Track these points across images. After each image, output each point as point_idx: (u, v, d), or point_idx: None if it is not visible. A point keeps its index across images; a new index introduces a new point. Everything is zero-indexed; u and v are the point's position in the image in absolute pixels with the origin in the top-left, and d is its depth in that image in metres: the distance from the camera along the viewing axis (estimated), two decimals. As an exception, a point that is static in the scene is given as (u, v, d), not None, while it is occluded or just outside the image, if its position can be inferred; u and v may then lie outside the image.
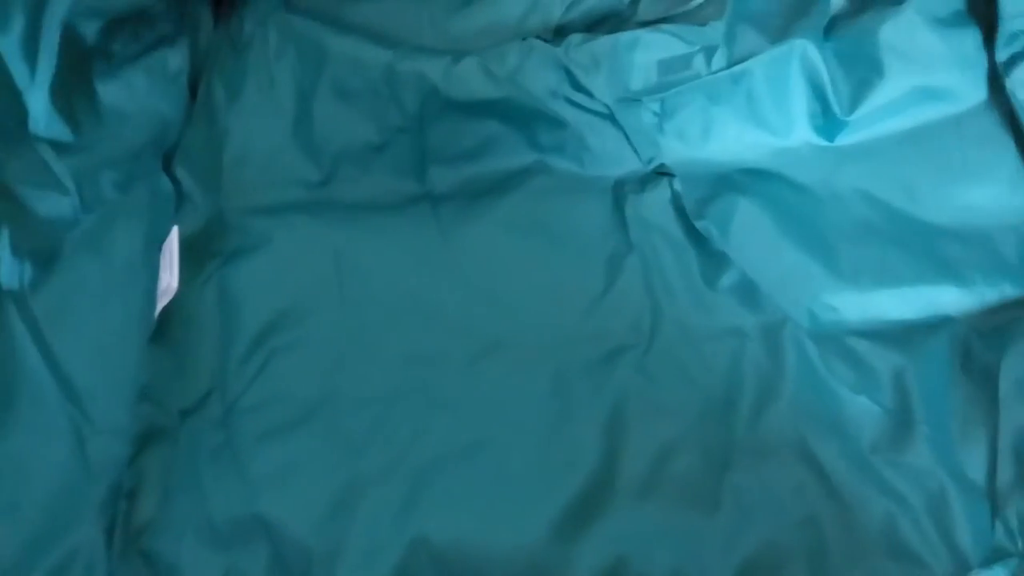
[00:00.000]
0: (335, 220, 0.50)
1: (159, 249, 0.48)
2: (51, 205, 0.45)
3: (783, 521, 0.43)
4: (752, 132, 0.50)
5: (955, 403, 0.44)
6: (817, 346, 0.46)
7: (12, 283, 0.43)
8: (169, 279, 0.48)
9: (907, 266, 0.48)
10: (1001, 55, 0.48)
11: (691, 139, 0.51)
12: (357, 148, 0.52)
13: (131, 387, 0.45)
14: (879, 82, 0.48)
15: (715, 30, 0.50)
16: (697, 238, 0.49)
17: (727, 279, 0.48)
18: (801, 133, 0.50)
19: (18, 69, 0.44)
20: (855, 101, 0.49)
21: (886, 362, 0.46)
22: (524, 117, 0.51)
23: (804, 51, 0.48)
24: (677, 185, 0.50)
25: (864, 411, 0.45)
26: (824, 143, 0.50)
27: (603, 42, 0.50)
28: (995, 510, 0.42)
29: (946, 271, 0.47)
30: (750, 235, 0.49)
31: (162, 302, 0.47)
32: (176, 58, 0.51)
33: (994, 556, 0.41)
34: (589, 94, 0.51)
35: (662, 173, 0.51)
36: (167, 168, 0.50)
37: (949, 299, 0.47)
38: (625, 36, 0.50)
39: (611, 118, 0.51)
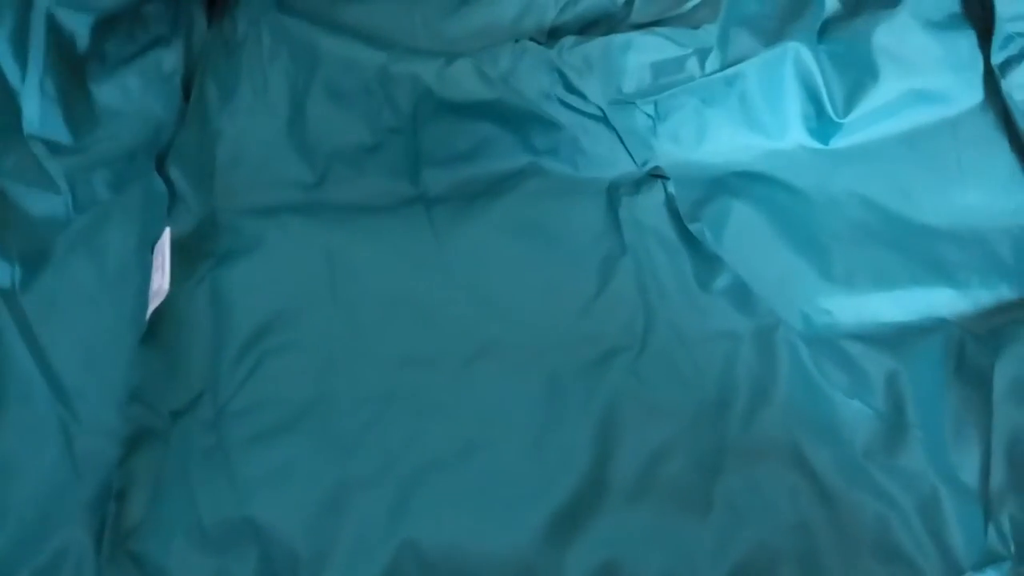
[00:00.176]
0: (328, 221, 0.50)
1: (152, 250, 0.48)
2: (43, 204, 0.45)
3: (775, 524, 0.43)
4: (746, 135, 0.50)
5: (948, 406, 0.44)
6: (810, 349, 0.46)
7: (2, 282, 0.43)
8: (161, 280, 0.48)
9: (901, 268, 0.48)
10: (997, 57, 0.48)
11: (685, 142, 0.51)
12: (350, 149, 0.52)
13: (121, 388, 0.45)
14: (873, 85, 0.48)
15: (708, 33, 0.50)
16: (691, 240, 0.49)
17: (720, 282, 0.48)
18: (795, 136, 0.50)
19: (10, 69, 0.44)
20: (849, 104, 0.49)
21: (879, 365, 0.45)
22: (518, 119, 0.51)
23: (798, 54, 0.48)
24: (671, 187, 0.50)
25: (857, 414, 0.45)
26: (818, 146, 0.50)
27: (596, 44, 0.50)
28: (988, 514, 0.42)
29: (941, 273, 0.47)
30: (744, 238, 0.49)
31: (154, 303, 0.47)
32: (170, 59, 0.52)
33: (986, 560, 0.41)
34: (582, 96, 0.51)
35: (656, 175, 0.51)
36: (160, 168, 0.50)
37: (943, 301, 0.47)
38: (618, 38, 0.50)
39: (605, 120, 0.52)
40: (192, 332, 0.47)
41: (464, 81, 0.51)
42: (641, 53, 0.50)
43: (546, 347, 0.47)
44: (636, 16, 0.53)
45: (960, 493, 0.42)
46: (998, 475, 0.42)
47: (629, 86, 0.51)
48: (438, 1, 0.54)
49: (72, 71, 0.47)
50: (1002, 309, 0.47)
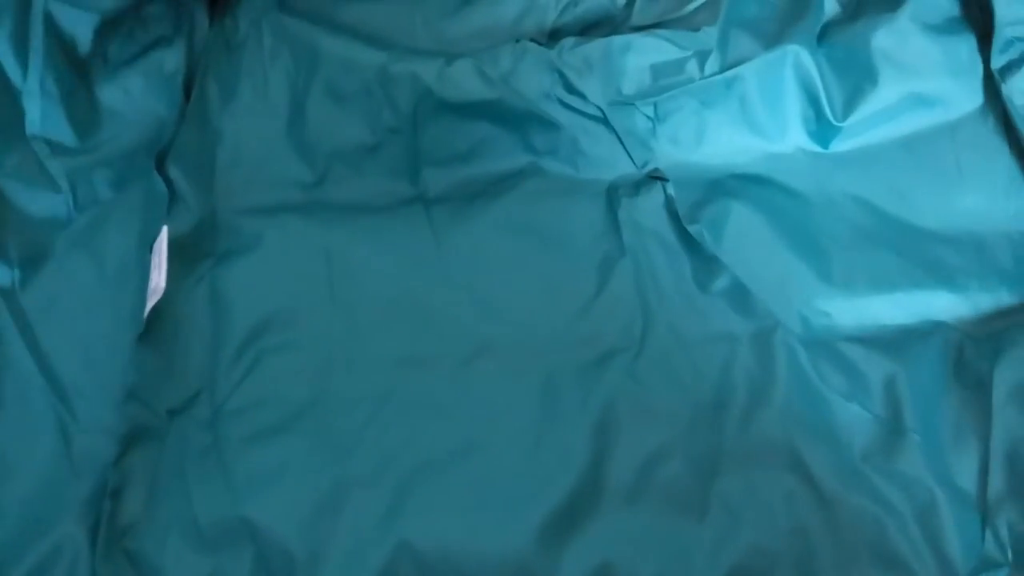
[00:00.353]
0: (327, 221, 0.50)
1: (151, 249, 0.48)
2: (44, 204, 0.45)
3: (771, 528, 0.43)
4: (745, 137, 0.50)
5: (947, 411, 0.44)
6: (809, 352, 0.46)
7: (2, 282, 0.43)
8: (158, 279, 0.48)
9: (901, 272, 0.47)
10: (997, 62, 0.48)
11: (684, 143, 0.51)
12: (350, 149, 0.52)
13: (120, 386, 0.45)
14: (872, 88, 0.48)
15: (708, 35, 0.50)
16: (690, 242, 0.49)
17: (719, 283, 0.48)
18: (795, 139, 0.50)
19: (12, 69, 0.44)
20: (848, 107, 0.48)
21: (878, 368, 0.45)
22: (517, 119, 0.51)
23: (797, 57, 0.48)
24: (670, 189, 0.50)
25: (855, 418, 0.44)
26: (818, 149, 0.50)
27: (596, 45, 0.50)
28: (985, 520, 0.42)
29: (940, 277, 0.47)
30: (743, 240, 0.49)
31: (151, 302, 0.47)
32: (172, 59, 0.52)
33: (983, 566, 0.41)
34: (582, 96, 0.51)
35: (656, 177, 0.51)
36: (160, 167, 0.50)
37: (942, 305, 0.47)
38: (618, 40, 0.50)
39: (604, 121, 0.51)
40: (190, 331, 0.47)
41: (464, 81, 0.51)
42: (641, 55, 0.50)
43: (544, 348, 0.47)
44: (636, 18, 0.53)
45: (958, 498, 0.42)
46: (996, 481, 0.42)
47: (629, 88, 0.50)
48: (439, 2, 0.54)
49: (75, 71, 0.47)
50: (1002, 314, 0.47)
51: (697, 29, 0.51)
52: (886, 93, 0.48)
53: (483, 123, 0.52)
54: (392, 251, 0.49)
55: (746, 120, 0.50)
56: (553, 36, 0.53)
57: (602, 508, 0.43)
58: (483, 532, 0.43)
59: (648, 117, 0.51)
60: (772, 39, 0.49)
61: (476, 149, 0.52)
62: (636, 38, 0.50)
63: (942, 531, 0.42)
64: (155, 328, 0.47)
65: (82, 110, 0.47)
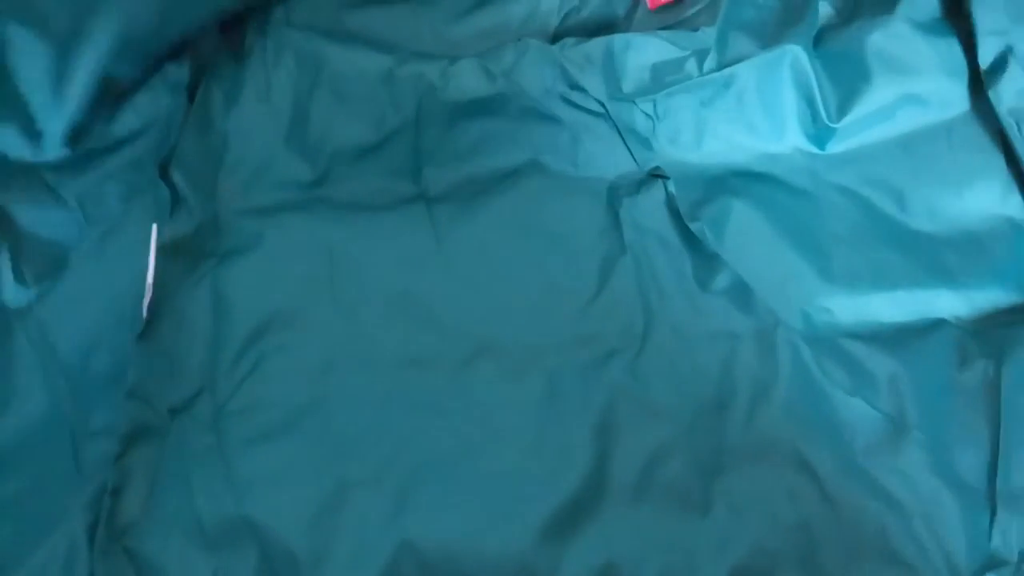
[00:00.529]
0: (329, 219, 0.50)
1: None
2: (56, 225, 0.46)
3: (775, 525, 0.43)
4: (744, 137, 0.51)
5: (951, 407, 0.44)
6: (811, 349, 0.46)
7: (18, 302, 0.44)
8: (148, 277, 0.48)
9: (901, 270, 0.48)
10: (983, 65, 0.48)
11: (684, 142, 0.51)
12: (352, 148, 0.52)
13: (124, 388, 0.45)
14: (867, 89, 0.48)
15: (707, 35, 0.50)
16: (691, 240, 0.49)
17: (720, 281, 0.48)
18: (792, 139, 0.50)
19: (38, 93, 0.44)
20: (843, 108, 0.49)
21: (881, 365, 0.45)
22: (519, 116, 0.52)
23: (795, 57, 0.48)
24: (671, 187, 0.50)
25: (859, 414, 0.44)
26: (815, 150, 0.50)
27: (597, 43, 0.51)
28: (992, 517, 0.41)
29: (940, 276, 0.47)
30: (744, 238, 0.49)
31: (144, 300, 0.47)
32: (179, 71, 0.52)
33: (988, 564, 0.41)
34: (584, 91, 0.51)
35: (656, 175, 0.51)
36: (163, 172, 0.50)
37: (943, 303, 0.47)
38: (618, 39, 0.51)
39: (606, 118, 0.52)
40: (192, 330, 0.47)
41: (468, 79, 0.51)
42: (641, 53, 0.51)
43: (545, 347, 0.47)
44: (637, 25, 0.54)
45: (962, 496, 0.42)
46: (1004, 478, 0.42)
47: (629, 86, 0.51)
48: (444, 9, 0.55)
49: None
50: (1001, 313, 0.47)
51: (696, 29, 0.51)
52: (880, 94, 0.48)
53: (485, 120, 0.52)
54: (393, 250, 0.49)
55: (744, 120, 0.50)
56: (555, 41, 0.53)
57: (605, 507, 0.43)
58: (486, 531, 0.43)
59: (648, 115, 0.51)
60: (769, 40, 0.49)
61: (477, 147, 0.52)
62: (636, 37, 0.51)
63: (946, 528, 0.42)
64: (156, 327, 0.47)
65: (92, 130, 0.47)
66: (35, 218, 0.45)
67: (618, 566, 0.42)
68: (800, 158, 0.50)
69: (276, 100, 0.52)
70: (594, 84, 0.51)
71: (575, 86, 0.51)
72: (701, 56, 0.49)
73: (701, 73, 0.49)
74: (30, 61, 0.43)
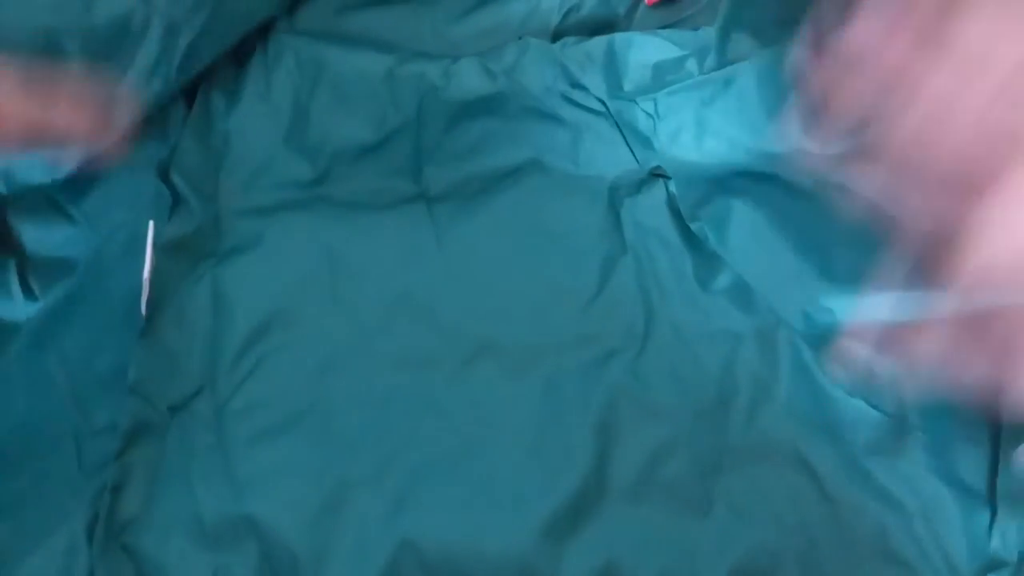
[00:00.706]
0: (329, 218, 0.50)
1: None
2: (63, 239, 0.46)
3: (776, 525, 0.43)
4: (745, 135, 0.50)
5: (953, 408, 0.44)
6: (812, 348, 0.46)
7: (29, 314, 0.44)
8: (144, 273, 0.48)
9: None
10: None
11: (684, 142, 0.51)
12: (352, 148, 0.52)
13: (126, 386, 0.45)
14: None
15: (708, 35, 0.50)
16: (692, 240, 0.49)
17: (721, 281, 0.48)
18: (792, 139, 0.50)
19: None
20: (843, 108, 0.48)
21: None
22: (520, 115, 0.52)
23: (794, 56, 0.48)
24: (672, 187, 0.50)
25: (860, 414, 0.44)
26: (815, 150, 0.50)
27: (598, 42, 0.51)
28: (992, 517, 0.41)
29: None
30: (745, 237, 0.49)
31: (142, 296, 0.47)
32: None
33: (989, 566, 0.41)
34: (585, 89, 0.51)
35: (657, 175, 0.51)
36: (163, 173, 0.50)
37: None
38: (620, 37, 0.51)
39: (607, 116, 0.52)
40: (192, 328, 0.47)
41: (469, 78, 0.51)
42: (642, 52, 0.51)
43: (546, 346, 0.47)
44: (638, 24, 0.54)
45: (963, 496, 0.42)
46: (1005, 479, 0.42)
47: (629, 84, 0.51)
48: (445, 8, 0.54)
49: None
50: (1002, 312, 0.46)
51: (696, 29, 0.51)
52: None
53: (485, 119, 0.52)
54: (393, 249, 0.49)
55: (745, 119, 0.50)
56: (556, 40, 0.53)
57: (605, 507, 0.43)
58: (486, 531, 0.43)
59: (649, 114, 0.51)
60: (769, 40, 0.49)
61: (478, 146, 0.52)
62: (637, 36, 0.51)
63: (946, 529, 0.42)
64: (157, 325, 0.47)
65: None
66: (43, 236, 0.45)
67: (618, 566, 0.42)
68: (801, 157, 0.50)
69: (276, 100, 0.52)
70: (595, 83, 0.51)
71: (576, 84, 0.51)
72: (702, 55, 0.49)
73: (702, 72, 0.49)
74: None
